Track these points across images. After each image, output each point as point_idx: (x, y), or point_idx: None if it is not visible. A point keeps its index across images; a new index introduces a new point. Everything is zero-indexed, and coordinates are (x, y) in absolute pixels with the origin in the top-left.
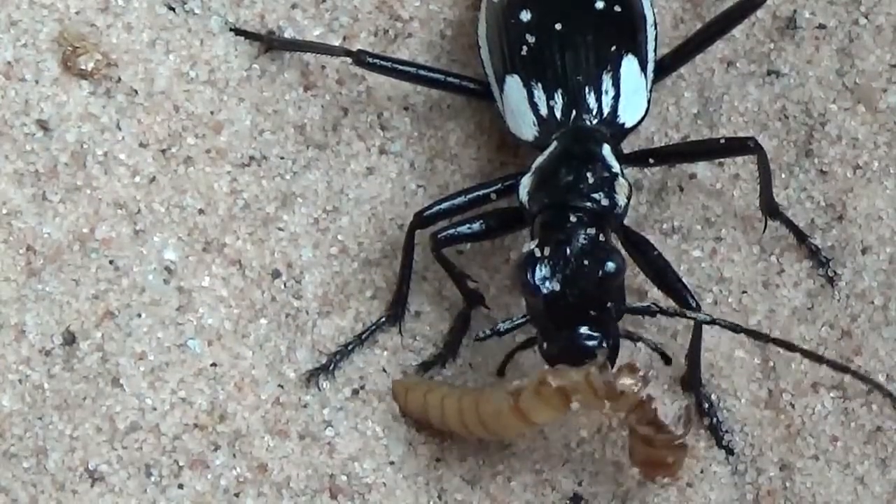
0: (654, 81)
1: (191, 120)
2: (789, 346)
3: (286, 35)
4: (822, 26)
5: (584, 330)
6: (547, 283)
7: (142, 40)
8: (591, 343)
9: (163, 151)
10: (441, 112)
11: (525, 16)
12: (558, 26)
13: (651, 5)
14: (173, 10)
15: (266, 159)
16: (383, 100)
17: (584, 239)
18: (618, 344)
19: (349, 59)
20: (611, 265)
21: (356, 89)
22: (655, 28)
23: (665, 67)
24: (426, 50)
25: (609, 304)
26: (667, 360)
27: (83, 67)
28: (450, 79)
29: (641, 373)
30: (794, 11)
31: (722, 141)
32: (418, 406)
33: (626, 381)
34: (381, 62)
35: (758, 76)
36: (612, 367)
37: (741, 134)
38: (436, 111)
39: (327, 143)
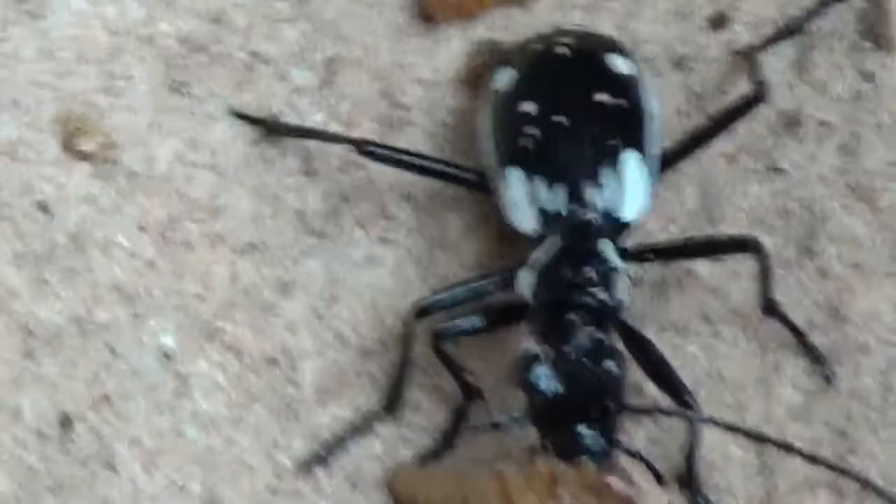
0: (656, 176)
1: (191, 204)
2: (785, 447)
3: (288, 120)
4: (824, 123)
5: (582, 429)
6: (546, 382)
7: (143, 122)
8: (590, 442)
9: (162, 235)
10: (442, 202)
11: (527, 107)
12: (560, 119)
13: (654, 100)
14: (175, 92)
15: (266, 246)
16: (384, 188)
17: (584, 337)
18: (614, 443)
19: (351, 147)
20: (611, 363)
21: (357, 177)
22: (658, 122)
23: (667, 162)
24: (428, 138)
25: (609, 403)
26: (659, 479)
27: (84, 149)
28: (451, 170)
29: (629, 474)
30: (798, 108)
31: (722, 239)
32: (412, 496)
33: (615, 479)
34: (384, 151)
35: (759, 172)
36: (607, 464)
37: (742, 230)
38: (437, 201)
39: (327, 230)
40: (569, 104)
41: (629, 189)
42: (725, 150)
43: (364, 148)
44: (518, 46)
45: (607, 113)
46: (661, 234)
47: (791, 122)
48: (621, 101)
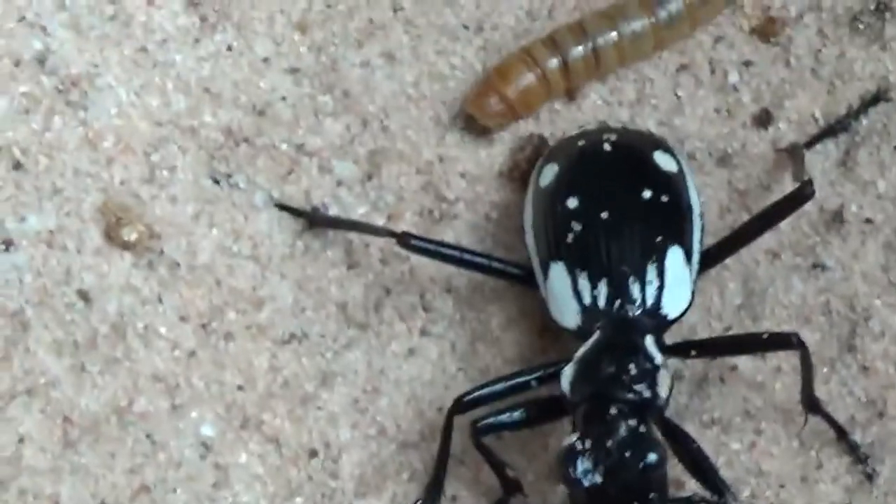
0: (699, 272)
1: (232, 295)
2: None
3: (331, 212)
4: (868, 221)
5: None
6: (589, 476)
7: (185, 213)
8: None
9: (203, 326)
10: (484, 295)
11: (572, 203)
12: (605, 215)
13: (698, 196)
14: (218, 183)
15: (307, 337)
16: (426, 281)
17: (626, 431)
18: None
19: (393, 240)
20: (653, 457)
21: (399, 269)
22: (702, 219)
23: (711, 258)
24: (471, 231)
25: (651, 496)
26: None
27: (126, 238)
28: (494, 263)
29: None
30: (842, 205)
31: (764, 336)
32: None
33: None
34: (426, 245)
35: (803, 269)
36: None
37: (784, 327)
38: (478, 294)
39: (369, 322)
40: (613, 200)
41: (672, 285)
42: (769, 247)
43: (406, 241)
44: (563, 142)
45: (651, 209)
46: (704, 329)
47: (835, 220)
48: (666, 198)
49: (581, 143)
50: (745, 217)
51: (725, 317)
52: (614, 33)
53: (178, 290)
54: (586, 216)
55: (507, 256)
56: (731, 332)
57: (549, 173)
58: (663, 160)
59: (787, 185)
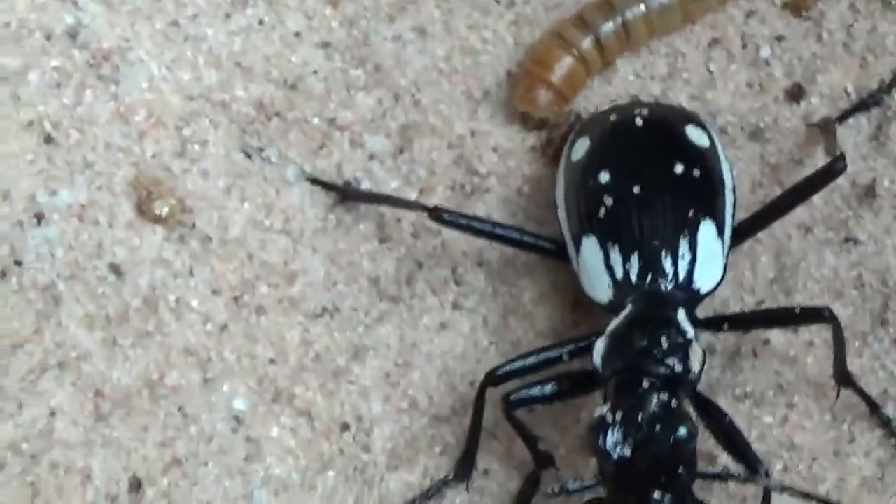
0: (732, 246)
1: (264, 269)
2: None
3: (363, 186)
4: None
5: (655, 495)
6: (619, 449)
7: (217, 187)
8: None
9: (235, 300)
10: (515, 269)
11: (604, 177)
12: (637, 189)
13: (730, 170)
14: (250, 157)
15: (339, 311)
16: (458, 255)
17: (657, 405)
18: None
19: (425, 214)
20: (683, 431)
21: (431, 243)
22: (734, 193)
23: (743, 232)
24: (503, 205)
25: (680, 470)
26: None
27: (157, 212)
28: (525, 237)
29: None
30: (874, 179)
31: (796, 310)
32: None
33: None
34: (457, 219)
35: (835, 243)
36: None
37: (816, 301)
38: (510, 268)
39: (401, 296)
40: (645, 174)
41: (704, 259)
42: (801, 221)
43: (438, 215)
44: (595, 117)
45: (684, 183)
46: (736, 303)
47: (867, 194)
48: (698, 172)
49: (613, 117)
50: (777, 191)
51: (758, 291)
52: (642, 6)
53: (210, 263)
54: (618, 190)
55: (539, 230)
56: (763, 307)
57: (581, 148)
58: (695, 134)
59: (819, 160)
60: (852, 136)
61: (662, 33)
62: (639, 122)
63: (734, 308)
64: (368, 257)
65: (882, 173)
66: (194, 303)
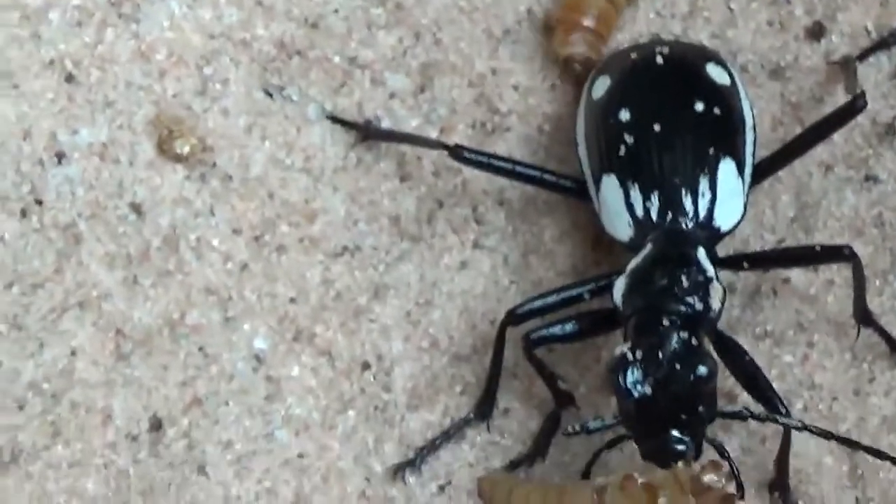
0: (752, 185)
1: (285, 208)
2: (879, 454)
3: (383, 125)
4: None
5: (675, 433)
6: (639, 387)
7: (238, 125)
8: (681, 447)
9: (256, 239)
10: (536, 207)
11: (624, 115)
12: (657, 127)
13: (751, 108)
14: (270, 95)
15: (359, 250)
16: (479, 193)
17: (677, 343)
18: (703, 443)
19: (446, 152)
20: (703, 369)
21: (452, 182)
22: (754, 131)
23: (763, 171)
24: (524, 144)
25: (700, 408)
26: (741, 489)
27: (178, 151)
28: (546, 176)
29: (725, 469)
30: (894, 117)
31: (817, 248)
32: (503, 503)
33: (711, 477)
34: (478, 157)
35: (855, 181)
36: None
37: (837, 239)
38: (531, 206)
39: (421, 235)
40: (665, 113)
41: (724, 198)
42: (821, 160)
43: (458, 153)
44: (615, 55)
45: (704, 122)
46: (757, 242)
47: (887, 132)
48: (718, 110)
49: (633, 55)
50: (798, 130)
51: (778, 229)
52: None
53: (231, 202)
54: (638, 129)
55: (560, 169)
56: (783, 245)
57: (602, 86)
58: (716, 73)
59: (840, 98)
60: (873, 74)
61: None
62: (659, 60)
63: (754, 247)
64: (389, 196)
65: None
66: (215, 242)
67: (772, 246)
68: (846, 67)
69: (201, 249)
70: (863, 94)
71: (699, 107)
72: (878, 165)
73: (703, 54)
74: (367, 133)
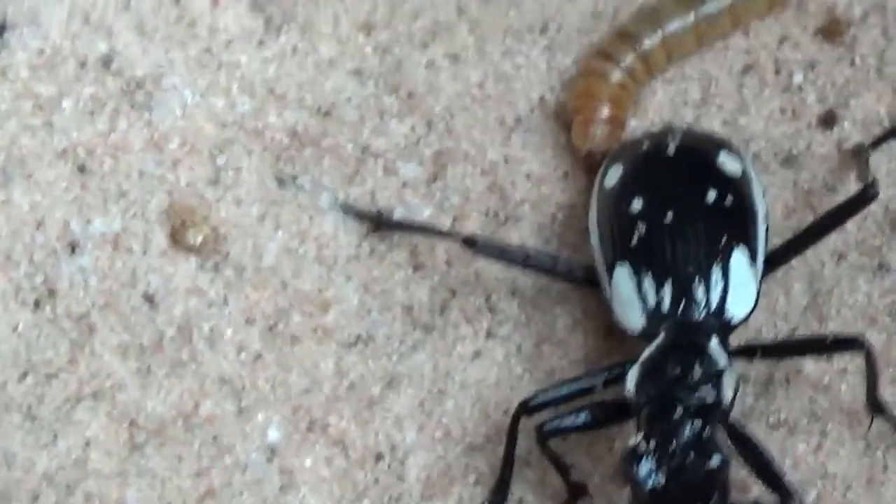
0: (765, 274)
1: (298, 297)
2: None
3: (396, 214)
4: None
5: None
6: (652, 477)
7: (251, 215)
8: None
9: (269, 328)
10: (549, 297)
11: (637, 205)
12: (669, 216)
13: (763, 197)
14: (283, 185)
15: (373, 339)
16: (492, 282)
17: (690, 433)
18: None
19: (459, 242)
20: (716, 460)
21: (465, 271)
22: (767, 220)
23: (776, 260)
24: (536, 233)
25: (713, 498)
26: None
27: (191, 241)
28: (559, 265)
29: None
30: None
31: (829, 338)
32: None
33: None
34: (491, 246)
35: (868, 270)
36: None
37: (850, 327)
38: (544, 296)
39: (434, 324)
40: (678, 202)
41: (737, 287)
42: (834, 248)
43: (471, 243)
44: (628, 143)
45: (716, 211)
46: (770, 331)
47: None
48: (730, 200)
49: (646, 144)
50: (810, 218)
51: (791, 318)
52: (655, 38)
53: (244, 292)
54: (651, 218)
55: (573, 258)
56: (796, 334)
57: (614, 175)
58: (728, 161)
59: (852, 186)
60: (885, 162)
61: (708, 44)
62: (671, 148)
63: (767, 335)
64: (402, 285)
65: None
66: (228, 332)
67: (785, 335)
68: (858, 155)
69: (214, 339)
70: (874, 182)
71: (711, 196)
72: (891, 254)
73: (716, 143)
74: (379, 222)
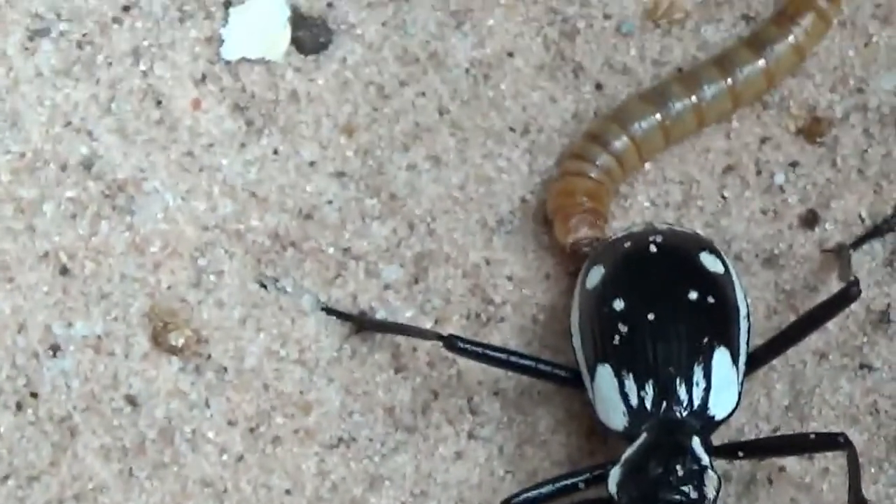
0: (747, 374)
1: (280, 399)
2: None
3: (378, 316)
4: None
5: None
6: None
7: (233, 317)
8: None
9: (251, 430)
10: (531, 398)
11: (618, 305)
12: (651, 316)
13: (745, 297)
14: (265, 287)
15: (355, 441)
16: (473, 384)
17: None
18: None
19: (441, 343)
20: None
21: (447, 373)
22: (749, 320)
23: (758, 360)
24: (518, 334)
25: None
26: None
27: (173, 343)
28: (541, 366)
29: None
30: (888, 305)
31: (811, 436)
32: None
33: None
34: (473, 348)
35: (850, 369)
36: None
37: (832, 427)
38: (526, 396)
39: (416, 426)
40: (659, 302)
41: (719, 387)
42: (816, 347)
43: (453, 344)
44: (609, 244)
45: (698, 311)
46: (752, 431)
47: (882, 320)
48: (712, 299)
49: (627, 244)
50: (792, 318)
51: (773, 418)
52: (624, 138)
53: (226, 394)
54: (632, 318)
55: (555, 359)
56: (778, 433)
57: (596, 275)
58: (709, 261)
59: (834, 286)
60: (867, 262)
61: (676, 141)
62: (652, 248)
63: (749, 435)
64: (384, 387)
65: None
66: (210, 434)
67: (767, 434)
68: (840, 255)
69: (196, 441)
70: (856, 281)
71: (693, 296)
72: (873, 353)
73: (697, 243)
74: (361, 324)
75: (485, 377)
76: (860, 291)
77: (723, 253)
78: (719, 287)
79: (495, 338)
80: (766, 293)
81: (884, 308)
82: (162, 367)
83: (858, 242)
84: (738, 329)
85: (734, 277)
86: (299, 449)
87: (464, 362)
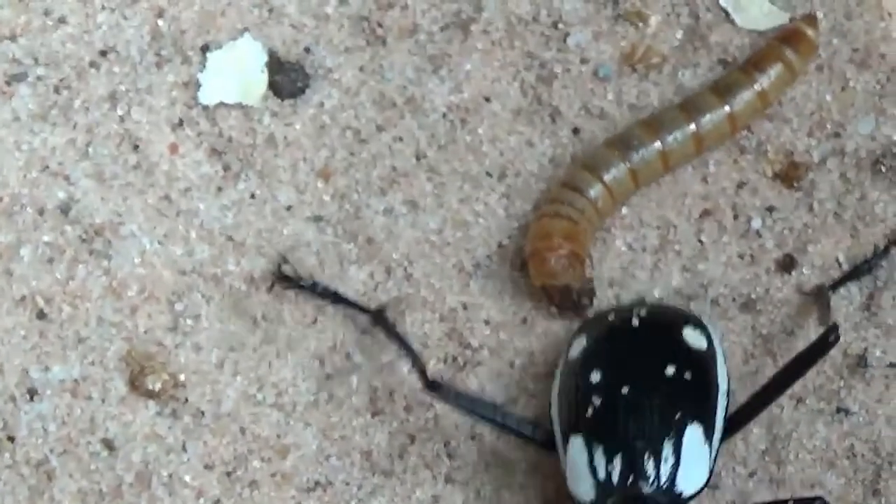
0: (723, 439)
1: (257, 443)
2: None
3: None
4: (892, 365)
5: None
6: None
7: (210, 361)
8: None
9: (228, 474)
10: (508, 441)
11: (594, 377)
12: (625, 390)
13: (727, 374)
14: (242, 331)
15: (332, 485)
16: (450, 428)
17: None
18: None
19: (419, 386)
20: None
21: (424, 416)
22: (727, 397)
23: (736, 423)
24: (495, 378)
25: None
26: None
27: (150, 387)
28: (522, 428)
29: None
30: (865, 349)
31: (789, 502)
32: None
33: None
34: (455, 397)
35: (827, 414)
36: None
37: (808, 471)
38: (503, 441)
39: (393, 470)
40: (636, 375)
41: (689, 463)
42: (793, 392)
43: (434, 386)
44: (595, 316)
45: (673, 386)
46: (728, 475)
47: (859, 364)
48: (689, 375)
49: (611, 317)
50: (769, 363)
51: (750, 462)
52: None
53: (203, 438)
54: (607, 390)
55: (530, 402)
56: (755, 478)
57: (578, 346)
58: (692, 336)
59: (812, 330)
60: (844, 305)
61: (644, 184)
62: (635, 322)
63: (727, 480)
64: (361, 431)
65: (873, 343)
66: (187, 478)
67: (743, 478)
68: (819, 298)
69: (174, 485)
70: (835, 327)
71: (670, 371)
72: (850, 398)
73: (682, 317)
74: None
75: (462, 421)
76: (839, 337)
77: (708, 328)
78: (699, 363)
79: (472, 382)
80: (744, 338)
81: (861, 352)
82: (139, 411)
83: (836, 285)
84: (715, 405)
85: (717, 352)
86: (276, 493)
87: (441, 406)
